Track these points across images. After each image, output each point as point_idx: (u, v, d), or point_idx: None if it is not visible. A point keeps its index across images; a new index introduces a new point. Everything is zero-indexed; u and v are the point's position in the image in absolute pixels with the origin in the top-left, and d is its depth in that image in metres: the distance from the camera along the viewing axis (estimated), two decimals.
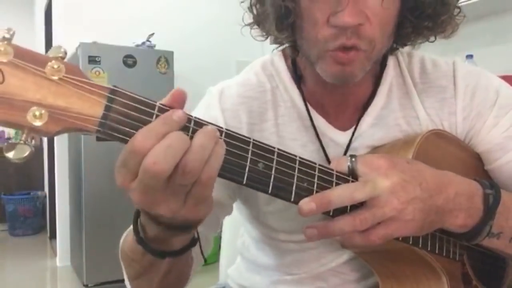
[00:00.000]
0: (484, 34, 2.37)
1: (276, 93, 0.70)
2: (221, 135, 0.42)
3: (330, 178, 0.50)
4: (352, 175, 0.52)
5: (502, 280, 0.67)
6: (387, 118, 0.69)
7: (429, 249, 0.58)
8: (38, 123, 0.35)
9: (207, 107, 0.71)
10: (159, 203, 0.40)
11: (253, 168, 0.43)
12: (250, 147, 0.43)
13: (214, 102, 0.70)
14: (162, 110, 0.40)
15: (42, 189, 4.77)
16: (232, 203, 0.73)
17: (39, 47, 4.50)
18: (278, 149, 0.46)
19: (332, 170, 0.51)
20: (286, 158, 0.46)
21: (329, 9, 0.56)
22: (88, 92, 0.37)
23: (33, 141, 0.37)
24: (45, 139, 4.60)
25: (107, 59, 3.00)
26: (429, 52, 0.75)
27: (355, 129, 0.68)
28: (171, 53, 3.26)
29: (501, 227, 0.56)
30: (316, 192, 0.49)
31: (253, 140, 0.44)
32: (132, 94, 0.40)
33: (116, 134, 0.38)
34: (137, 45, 3.28)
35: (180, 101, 0.42)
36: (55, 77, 0.35)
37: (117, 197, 2.79)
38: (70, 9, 3.44)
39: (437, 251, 0.59)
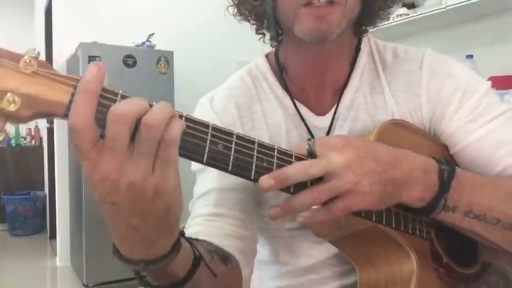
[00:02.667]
0: (484, 34, 2.37)
1: (259, 91, 0.77)
2: (181, 118, 0.45)
3: (288, 159, 0.52)
4: (311, 157, 0.54)
5: (476, 260, 0.68)
6: (359, 100, 0.73)
7: (394, 226, 0.59)
8: (12, 108, 0.39)
9: (201, 113, 0.76)
10: (128, 168, 0.40)
11: (213, 148, 0.46)
12: (210, 130, 0.46)
13: (207, 109, 0.76)
14: (124, 97, 0.43)
15: (42, 189, 4.77)
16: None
17: (39, 47, 4.51)
18: (237, 132, 0.49)
19: (291, 151, 0.53)
20: (245, 141, 0.49)
21: None
22: (57, 82, 0.41)
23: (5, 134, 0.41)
24: (45, 139, 4.60)
25: (107, 59, 3.00)
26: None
27: (335, 112, 0.73)
28: (171, 53, 3.27)
29: (456, 201, 0.58)
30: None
31: (212, 124, 0.47)
32: None
33: None
34: (137, 45, 3.28)
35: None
36: (28, 71, 0.40)
37: None
38: (70, 9, 3.44)
39: (402, 228, 0.60)
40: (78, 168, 3.04)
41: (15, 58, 0.40)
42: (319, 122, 0.73)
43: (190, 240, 0.54)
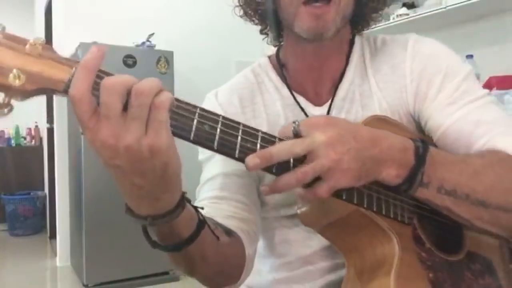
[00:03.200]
0: (484, 34, 2.37)
1: (261, 85, 0.83)
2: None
3: (272, 139, 0.56)
4: (296, 137, 0.56)
5: (461, 248, 0.69)
6: (352, 92, 0.78)
7: (375, 209, 0.61)
8: (17, 83, 0.44)
9: (207, 106, 0.78)
10: (123, 133, 0.44)
11: (199, 128, 0.50)
12: (197, 111, 0.50)
13: (212, 101, 0.82)
14: (108, 73, 0.47)
15: (42, 189, 4.77)
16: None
17: None
18: (223, 116, 0.52)
19: (274, 136, 0.56)
20: (231, 121, 0.53)
21: None
22: (59, 63, 0.46)
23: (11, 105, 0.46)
24: (45, 139, 4.61)
25: (107, 59, 2.94)
26: None
27: (331, 102, 0.78)
28: (171, 53, 3.27)
29: (429, 177, 0.60)
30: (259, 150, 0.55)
31: (200, 107, 0.51)
32: None
33: None
34: (137, 45, 3.28)
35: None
36: (33, 53, 0.45)
37: (117, 197, 2.78)
38: (70, 9, 3.44)
39: (384, 213, 0.62)
40: (78, 168, 3.04)
41: (22, 41, 0.46)
42: (316, 112, 0.78)
43: (195, 207, 0.58)
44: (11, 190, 4.62)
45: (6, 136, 5.18)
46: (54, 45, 3.51)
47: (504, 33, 2.29)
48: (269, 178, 0.73)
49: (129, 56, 3.10)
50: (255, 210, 0.75)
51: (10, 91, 0.44)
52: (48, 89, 0.46)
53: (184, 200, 0.53)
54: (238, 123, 0.53)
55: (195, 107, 0.50)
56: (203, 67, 3.72)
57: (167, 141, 0.46)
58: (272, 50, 0.88)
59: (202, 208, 0.60)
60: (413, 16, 2.43)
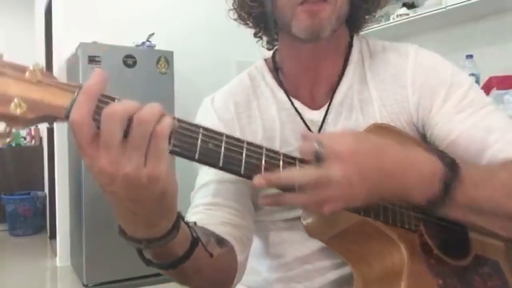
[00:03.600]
0: (484, 34, 2.37)
1: (256, 89, 0.82)
2: (173, 119, 0.48)
3: (276, 156, 0.55)
4: (317, 159, 0.55)
5: (467, 253, 0.69)
6: (351, 98, 0.77)
7: (381, 219, 0.62)
8: (18, 111, 0.43)
9: (204, 113, 0.83)
10: (123, 162, 0.44)
11: (203, 146, 0.50)
12: (201, 130, 0.50)
13: (208, 107, 0.82)
14: (110, 98, 0.47)
15: (42, 189, 4.77)
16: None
17: (39, 47, 4.51)
18: (226, 135, 0.52)
19: (278, 151, 0.56)
20: (235, 140, 0.53)
21: None
22: (59, 89, 0.46)
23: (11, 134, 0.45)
24: (45, 139, 4.60)
25: (107, 59, 3.00)
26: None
27: (329, 106, 0.77)
28: (171, 53, 3.26)
29: (457, 201, 0.59)
30: (265, 167, 0.54)
31: (202, 126, 0.51)
32: None
33: None
34: (137, 45, 3.28)
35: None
36: (33, 80, 0.45)
37: None
38: (70, 9, 3.44)
39: (391, 222, 0.62)
40: (78, 168, 3.04)
41: (21, 69, 0.45)
42: (313, 116, 0.77)
43: (188, 224, 0.58)
44: (11, 190, 4.62)
45: None
46: (54, 45, 3.52)
47: (504, 33, 2.29)
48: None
49: (129, 56, 3.10)
50: (249, 216, 0.75)
51: (11, 120, 0.44)
52: (49, 117, 0.45)
53: (179, 224, 0.53)
54: (242, 140, 0.53)
55: (198, 126, 0.50)
56: (203, 67, 3.72)
57: (166, 169, 0.46)
58: (269, 52, 0.88)
59: (195, 224, 0.60)
60: (413, 16, 2.43)
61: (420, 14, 2.39)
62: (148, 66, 3.16)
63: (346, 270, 0.73)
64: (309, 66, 0.78)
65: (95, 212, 2.94)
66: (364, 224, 0.61)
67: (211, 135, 0.51)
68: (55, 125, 3.58)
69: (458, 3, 2.18)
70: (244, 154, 0.53)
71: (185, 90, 3.44)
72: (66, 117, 0.45)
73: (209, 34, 3.79)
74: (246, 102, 0.81)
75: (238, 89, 0.83)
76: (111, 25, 3.44)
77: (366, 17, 0.81)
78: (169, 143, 0.47)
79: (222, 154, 0.51)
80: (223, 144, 0.52)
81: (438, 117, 0.72)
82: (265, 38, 0.86)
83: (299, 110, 0.78)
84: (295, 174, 0.54)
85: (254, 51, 0.81)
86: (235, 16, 0.83)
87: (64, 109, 0.45)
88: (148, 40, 3.31)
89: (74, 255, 3.38)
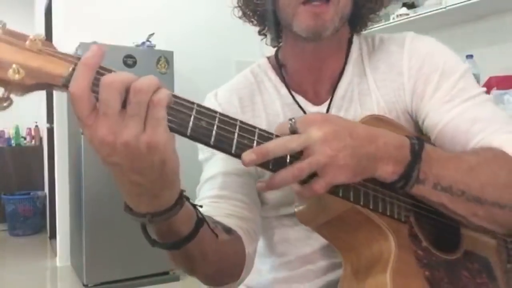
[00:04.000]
0: (484, 34, 2.37)
1: (260, 85, 0.84)
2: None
3: (269, 136, 0.56)
4: (293, 134, 0.56)
5: (458, 248, 0.69)
6: (351, 91, 0.78)
7: (371, 207, 0.62)
8: (17, 77, 0.44)
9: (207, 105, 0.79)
10: (121, 130, 0.44)
11: (196, 123, 0.50)
12: (195, 107, 0.50)
13: (212, 101, 0.83)
14: (107, 70, 0.48)
15: (42, 189, 4.77)
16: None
17: None
18: (220, 113, 0.52)
19: (272, 133, 0.56)
20: (228, 118, 0.53)
21: None
22: (58, 58, 0.46)
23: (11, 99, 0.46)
24: (45, 139, 4.60)
25: (107, 59, 2.90)
26: None
27: (330, 101, 0.78)
28: (171, 53, 3.27)
29: (425, 173, 0.60)
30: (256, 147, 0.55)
31: (197, 103, 0.51)
32: None
33: None
34: (137, 45, 3.28)
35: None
36: (33, 48, 0.45)
37: (117, 197, 2.78)
38: (70, 9, 3.44)
39: (380, 210, 0.63)
40: (78, 168, 3.04)
41: (22, 37, 0.46)
42: (315, 111, 0.78)
43: (194, 205, 0.58)
44: (11, 190, 4.62)
45: (6, 136, 5.18)
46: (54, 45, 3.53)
47: (504, 33, 2.29)
48: (268, 176, 0.74)
49: (129, 56, 3.10)
50: (255, 209, 0.76)
51: (9, 85, 0.45)
52: (47, 84, 0.46)
53: (182, 198, 0.53)
54: (235, 119, 0.54)
55: (192, 103, 0.51)
56: (203, 67, 3.72)
57: (165, 138, 0.46)
58: (271, 50, 0.88)
59: (201, 206, 0.60)
60: (413, 16, 2.43)
61: (420, 14, 2.39)
62: (148, 66, 3.15)
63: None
64: (312, 65, 0.79)
65: (95, 212, 2.94)
66: (353, 211, 0.62)
67: (205, 112, 0.51)
68: (55, 125, 3.58)
69: (458, 3, 2.18)
70: (236, 134, 0.53)
71: (185, 90, 3.44)
72: (63, 86, 0.46)
73: (209, 34, 3.79)
74: (250, 96, 0.82)
75: (242, 84, 0.84)
76: (111, 25, 3.44)
77: (370, 16, 0.81)
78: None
79: (214, 132, 0.51)
80: (216, 122, 0.52)
81: (428, 107, 0.73)
82: (269, 36, 0.87)
83: (302, 105, 0.79)
84: (280, 142, 0.54)
85: (254, 51, 0.82)
86: (240, 14, 0.84)
87: (62, 78, 0.46)
88: (148, 40, 3.31)
89: (74, 255, 3.38)
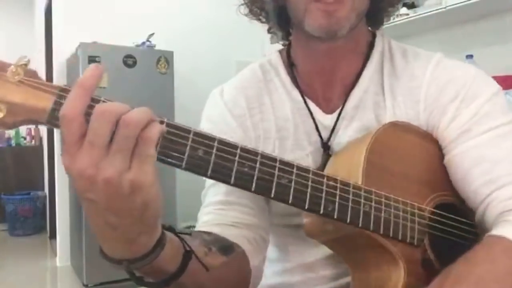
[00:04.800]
0: (484, 34, 2.37)
1: (269, 85, 0.77)
2: (162, 123, 0.45)
3: (272, 163, 0.52)
4: None
5: None
6: (367, 100, 0.73)
7: (382, 232, 0.59)
8: None
9: (213, 106, 0.79)
10: (105, 165, 0.41)
11: (193, 154, 0.46)
12: (191, 135, 0.47)
13: (217, 99, 0.78)
14: (104, 100, 0.44)
15: (42, 189, 4.77)
16: None
17: (39, 47, 4.50)
18: (219, 138, 0.49)
19: (276, 157, 0.53)
20: (228, 145, 0.49)
21: None
22: (41, 91, 0.43)
23: None
24: (45, 139, 4.60)
25: (107, 59, 3.00)
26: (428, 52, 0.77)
27: (341, 111, 0.73)
28: (171, 53, 3.26)
29: None
30: (258, 176, 0.50)
31: (193, 131, 0.47)
32: None
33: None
34: (137, 45, 3.28)
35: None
36: (14, 80, 0.42)
37: None
38: (70, 9, 3.44)
39: (391, 235, 0.59)
40: None
41: (2, 67, 0.42)
42: (325, 120, 0.74)
43: (180, 235, 0.54)
44: (11, 190, 4.62)
45: (6, 136, 5.18)
46: (54, 45, 3.52)
47: (504, 33, 2.28)
48: None
49: (129, 56, 3.10)
50: (263, 215, 0.72)
51: None
52: (30, 121, 0.43)
53: (163, 240, 0.49)
54: (236, 146, 0.50)
55: (188, 131, 0.47)
56: (203, 67, 3.72)
57: (151, 177, 0.42)
58: (272, 51, 0.84)
59: (190, 234, 0.57)
60: (413, 16, 2.42)
61: (420, 14, 2.38)
62: (148, 66, 3.15)
63: (346, 280, 0.72)
64: (324, 67, 0.73)
65: None
66: (362, 234, 0.59)
67: (202, 140, 0.47)
68: None
69: (458, 3, 2.18)
70: (236, 162, 0.49)
71: (185, 90, 3.44)
72: (48, 122, 0.43)
73: (209, 34, 3.79)
74: (258, 96, 0.76)
75: (249, 82, 0.78)
76: (111, 25, 3.44)
77: (389, 9, 0.76)
78: (156, 149, 0.43)
79: (212, 162, 0.48)
80: (214, 151, 0.48)
81: (444, 135, 0.68)
82: (279, 34, 0.81)
83: (313, 112, 0.74)
84: None
85: (254, 51, 0.79)
86: (247, 11, 0.79)
87: (46, 114, 0.42)
88: (148, 40, 3.31)
89: (74, 255, 3.37)
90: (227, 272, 0.61)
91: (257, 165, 0.51)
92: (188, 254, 0.53)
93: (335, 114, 0.73)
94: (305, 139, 0.73)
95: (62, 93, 0.43)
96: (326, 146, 0.73)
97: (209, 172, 0.48)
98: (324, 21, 0.63)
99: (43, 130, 4.73)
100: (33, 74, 0.44)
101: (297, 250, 0.76)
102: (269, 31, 0.81)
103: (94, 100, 0.43)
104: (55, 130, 3.53)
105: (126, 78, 3.03)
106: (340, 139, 0.72)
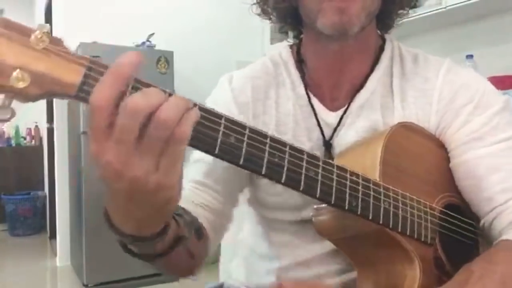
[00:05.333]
0: (484, 34, 2.37)
1: (278, 78, 0.78)
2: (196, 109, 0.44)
3: (300, 155, 0.51)
4: None
5: None
6: (372, 103, 0.73)
7: (399, 230, 0.59)
8: (20, 85, 0.37)
9: (219, 90, 0.80)
10: (133, 163, 0.39)
11: (225, 140, 0.45)
12: (223, 121, 0.45)
13: (224, 84, 0.79)
14: (137, 81, 0.42)
15: (42, 189, 4.77)
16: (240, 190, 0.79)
17: None
18: (250, 125, 0.47)
19: (303, 149, 0.52)
20: (258, 134, 0.48)
21: None
22: (69, 61, 0.40)
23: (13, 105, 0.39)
24: (45, 139, 4.60)
25: (107, 59, 2.96)
26: (428, 52, 0.78)
27: (346, 110, 0.73)
28: (171, 53, 3.26)
29: None
30: (288, 167, 0.50)
31: (225, 116, 0.46)
32: (109, 65, 0.42)
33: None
34: (137, 45, 3.28)
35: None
36: (39, 47, 0.39)
37: None
38: (70, 9, 3.43)
39: (408, 233, 0.60)
40: (78, 168, 3.04)
41: (26, 32, 0.39)
42: (329, 118, 0.74)
43: (177, 219, 0.55)
44: (11, 190, 4.62)
45: (6, 136, 5.18)
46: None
47: (504, 33, 2.28)
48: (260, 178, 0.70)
49: None
50: (230, 204, 0.76)
51: (12, 93, 0.38)
52: (57, 94, 0.40)
53: (169, 226, 0.50)
54: (266, 133, 0.49)
55: (220, 116, 0.45)
56: (203, 67, 3.72)
57: (178, 177, 0.42)
58: (274, 48, 0.86)
59: (181, 215, 0.58)
60: (413, 16, 2.42)
61: (420, 14, 2.38)
62: (148, 66, 3.15)
63: (342, 278, 0.72)
64: (333, 67, 0.74)
65: (95, 212, 2.93)
66: (380, 232, 0.59)
67: (234, 127, 0.46)
68: (55, 125, 3.58)
69: (458, 3, 2.18)
70: (267, 152, 0.48)
71: (185, 90, 3.43)
72: (77, 97, 0.40)
73: (209, 34, 3.79)
74: (265, 88, 0.77)
75: (259, 72, 0.79)
76: (111, 25, 3.44)
77: (399, 11, 0.77)
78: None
79: (244, 150, 0.46)
80: (246, 139, 0.47)
81: (454, 138, 0.69)
82: (290, 33, 0.83)
83: (316, 109, 0.75)
84: None
85: (254, 51, 0.79)
86: (259, 11, 0.80)
87: (75, 87, 0.39)
88: (148, 40, 3.31)
89: (74, 255, 3.37)
90: (197, 254, 0.64)
91: (286, 156, 0.50)
92: (180, 239, 0.54)
93: (340, 112, 0.74)
94: (304, 135, 0.74)
95: (92, 65, 0.41)
96: (328, 144, 0.73)
97: (241, 161, 0.47)
98: (336, 18, 0.64)
99: (43, 130, 4.73)
100: (59, 42, 0.41)
101: (293, 247, 0.76)
102: (280, 30, 0.83)
103: (139, 82, 0.40)
104: (55, 129, 3.54)
105: None
106: (342, 138, 0.73)
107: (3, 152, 4.88)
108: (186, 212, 0.64)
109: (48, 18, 3.85)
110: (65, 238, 3.49)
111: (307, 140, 0.74)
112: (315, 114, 0.74)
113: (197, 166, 0.74)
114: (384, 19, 0.76)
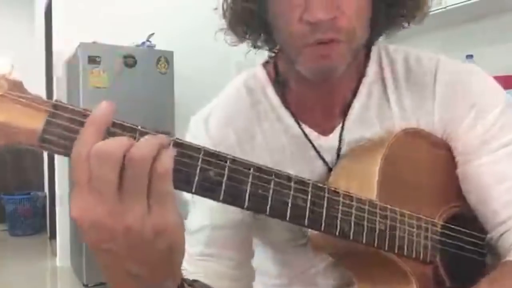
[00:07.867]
0: (484, 34, 2.37)
1: (259, 109, 0.69)
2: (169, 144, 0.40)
3: (287, 183, 0.48)
4: None
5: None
6: (366, 117, 0.68)
7: (396, 251, 0.57)
8: None
9: (194, 139, 0.66)
10: (122, 212, 0.36)
11: (203, 176, 0.42)
12: (201, 155, 0.42)
13: (201, 132, 0.69)
14: (141, 132, 0.39)
15: (42, 189, 4.77)
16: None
17: (39, 47, 4.50)
18: (232, 156, 0.44)
19: (291, 175, 0.49)
20: (240, 165, 0.45)
21: (300, 5, 0.55)
22: (29, 107, 0.37)
23: None
24: None
25: (107, 59, 3.00)
26: (429, 52, 0.74)
27: (341, 130, 0.68)
28: (171, 53, 3.26)
29: None
30: (271, 198, 0.46)
31: (204, 148, 0.42)
32: (74, 108, 0.39)
33: (55, 148, 0.39)
34: (137, 45, 3.28)
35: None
36: None
37: None
38: (70, 9, 3.44)
39: (405, 254, 0.58)
40: None
41: None
42: (327, 143, 0.68)
43: (191, 283, 0.51)
44: (11, 190, 4.62)
45: None
46: (54, 45, 3.52)
47: (504, 33, 2.28)
48: (269, 222, 0.67)
49: (129, 56, 3.10)
50: (248, 262, 0.69)
51: None
52: (23, 143, 0.37)
53: (183, 285, 0.45)
54: (250, 163, 0.45)
55: (198, 149, 0.42)
56: (203, 67, 3.72)
57: (175, 216, 0.38)
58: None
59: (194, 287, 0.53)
60: None
61: None
62: (148, 66, 3.15)
63: None
64: (321, 88, 0.66)
65: None
66: (376, 253, 0.57)
67: (213, 161, 0.42)
68: None
69: (458, 3, 2.18)
70: (249, 183, 0.45)
71: (185, 90, 3.44)
72: (40, 146, 0.37)
73: (209, 34, 3.77)
74: (248, 127, 0.68)
75: (236, 110, 0.69)
76: (111, 25, 3.44)
77: (388, 32, 0.70)
78: None
79: (224, 185, 0.43)
80: (226, 172, 0.43)
81: (462, 144, 0.65)
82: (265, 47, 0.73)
83: (310, 137, 0.67)
84: None
85: (254, 51, 0.76)
86: (231, 35, 0.73)
87: (37, 135, 0.37)
88: (148, 40, 3.31)
89: (74, 255, 3.37)
90: None
91: (271, 185, 0.47)
92: None
93: (336, 132, 0.68)
94: (306, 171, 0.66)
95: (55, 110, 0.38)
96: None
97: (221, 196, 0.43)
98: (318, 64, 0.58)
99: None
100: (19, 86, 0.37)
101: (298, 262, 0.73)
102: (254, 46, 0.72)
103: (118, 127, 0.38)
104: None
105: (126, 78, 3.03)
106: None
107: (2, 152, 4.87)
108: (202, 284, 0.58)
109: (48, 18, 3.85)
110: (65, 238, 3.49)
111: (309, 173, 0.65)
112: (311, 143, 0.68)
113: (195, 237, 0.66)
114: (374, 36, 0.69)
